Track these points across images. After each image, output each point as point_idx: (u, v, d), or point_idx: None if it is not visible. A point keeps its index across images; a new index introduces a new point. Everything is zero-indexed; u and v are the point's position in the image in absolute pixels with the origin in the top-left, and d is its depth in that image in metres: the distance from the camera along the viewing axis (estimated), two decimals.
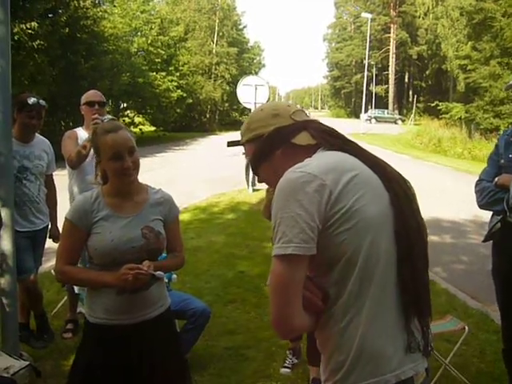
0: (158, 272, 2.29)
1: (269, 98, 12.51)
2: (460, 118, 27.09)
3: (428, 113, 42.53)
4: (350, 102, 79.02)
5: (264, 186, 10.72)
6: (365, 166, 1.47)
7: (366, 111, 50.85)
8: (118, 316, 2.33)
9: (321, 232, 1.34)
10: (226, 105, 40.92)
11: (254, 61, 48.01)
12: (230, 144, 1.89)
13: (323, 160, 1.44)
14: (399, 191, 1.47)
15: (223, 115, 42.35)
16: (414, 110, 49.99)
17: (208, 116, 39.90)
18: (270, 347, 4.11)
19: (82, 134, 4.13)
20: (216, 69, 39.98)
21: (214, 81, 39.44)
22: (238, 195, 11.44)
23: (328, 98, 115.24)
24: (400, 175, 1.53)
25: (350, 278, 1.36)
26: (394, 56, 60.33)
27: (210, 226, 8.54)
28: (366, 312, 1.35)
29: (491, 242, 3.06)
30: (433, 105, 31.06)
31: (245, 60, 44.35)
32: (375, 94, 57.38)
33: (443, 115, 29.71)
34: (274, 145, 1.56)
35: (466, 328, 3.63)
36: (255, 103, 11.56)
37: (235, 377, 3.67)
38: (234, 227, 8.40)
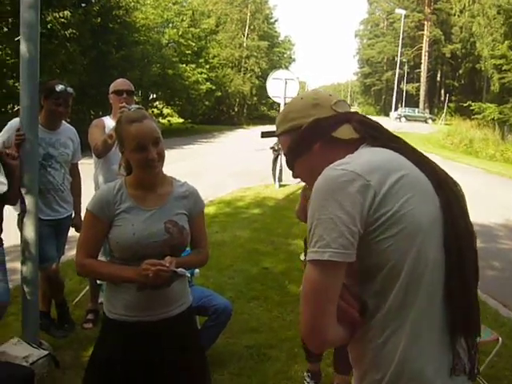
0: (180, 269, 2.19)
1: (298, 93, 12.35)
2: (493, 119, 26.43)
3: (460, 113, 41.70)
4: (379, 99, 78.16)
5: (291, 182, 10.69)
6: (413, 166, 1.33)
7: (396, 109, 50.26)
8: (138, 313, 2.25)
9: (362, 237, 1.21)
10: (255, 99, 40.79)
11: (285, 55, 47.78)
12: (265, 135, 1.76)
13: (367, 157, 1.30)
14: (450, 195, 1.33)
15: (251, 109, 42.25)
16: (445, 110, 49.08)
17: (236, 109, 39.87)
18: (293, 348, 4.00)
19: (110, 122, 4.06)
20: (246, 62, 39.85)
21: (244, 74, 39.36)
22: (264, 190, 11.33)
23: (358, 94, 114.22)
24: (450, 177, 1.39)
25: (392, 290, 1.23)
26: (427, 54, 59.30)
27: (235, 220, 8.45)
28: (408, 328, 1.22)
29: None
30: (465, 105, 30.38)
31: (275, 54, 44.15)
32: (406, 92, 56.65)
33: (475, 115, 29.04)
34: (313, 138, 1.42)
35: (500, 339, 3.46)
36: (285, 97, 11.40)
37: (256, 377, 3.57)
38: (259, 222, 8.30)
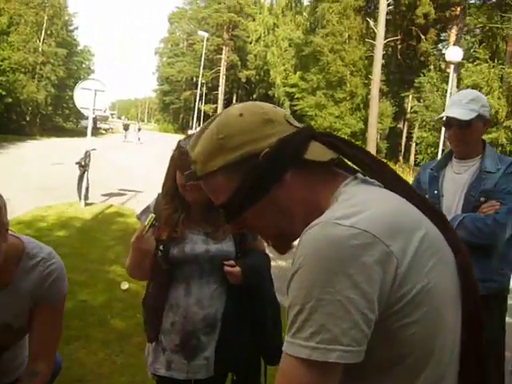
0: None
1: (109, 106, 11.68)
2: None
3: None
4: (178, 117, 79.25)
5: (98, 200, 9.88)
6: (426, 219, 0.98)
7: (194, 128, 51.23)
8: None
9: (377, 322, 0.86)
10: (50, 108, 38.03)
11: (83, 65, 45.66)
12: (192, 178, 1.10)
13: (375, 206, 0.92)
14: (466, 254, 1.01)
15: (46, 119, 39.26)
16: None
17: (28, 119, 36.68)
18: None
19: None
20: (41, 69, 36.86)
21: (39, 81, 36.39)
22: (69, 209, 10.34)
23: (156, 111, 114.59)
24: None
25: None
26: (225, 77, 61.93)
27: None
28: None
29: None
30: None
31: (74, 63, 41.85)
32: (204, 113, 58.15)
33: None
34: (281, 167, 1.01)
35: None
36: (94, 109, 10.64)
37: None
38: (67, 247, 7.43)
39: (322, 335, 0.82)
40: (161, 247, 2.27)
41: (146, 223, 2.14)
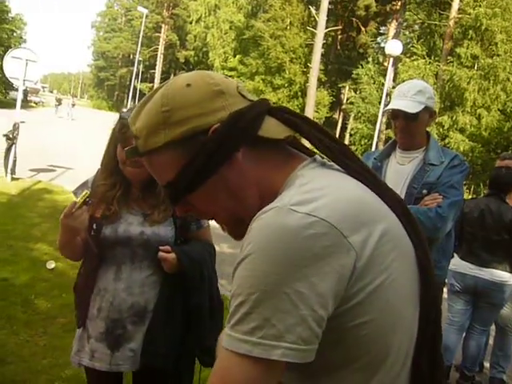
0: None
1: (41, 78, 11.14)
2: None
3: None
4: (112, 94, 77.34)
5: (26, 175, 9.48)
6: (387, 209, 0.91)
7: (128, 106, 50.10)
8: None
9: (329, 320, 0.79)
10: None
11: (15, 34, 43.34)
12: (131, 154, 1.01)
13: (334, 192, 0.85)
14: (426, 247, 0.94)
15: None
16: None
17: None
18: (52, 382, 3.34)
19: None
20: None
21: None
22: None
23: (90, 87, 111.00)
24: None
25: None
26: (162, 56, 60.71)
27: None
28: None
29: None
30: None
31: (4, 31, 39.61)
32: (139, 91, 56.87)
33: None
34: (231, 144, 0.91)
35: None
36: (24, 80, 10.08)
37: None
38: None
39: (266, 330, 0.75)
40: (94, 226, 2.12)
41: (79, 199, 1.99)
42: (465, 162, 2.74)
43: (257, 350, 0.75)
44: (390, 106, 2.77)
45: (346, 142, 33.11)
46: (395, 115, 2.74)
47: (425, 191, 2.62)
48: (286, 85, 32.32)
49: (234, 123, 0.91)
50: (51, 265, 5.58)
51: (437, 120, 21.21)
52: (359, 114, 27.24)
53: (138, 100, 56.10)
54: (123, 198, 2.15)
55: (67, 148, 17.68)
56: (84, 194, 1.99)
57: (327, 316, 0.78)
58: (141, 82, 58.93)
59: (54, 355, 3.70)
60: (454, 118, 21.50)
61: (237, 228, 1.00)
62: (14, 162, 10.10)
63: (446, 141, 21.12)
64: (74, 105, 41.23)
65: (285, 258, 0.76)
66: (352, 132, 29.60)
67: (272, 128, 0.94)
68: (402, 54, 17.67)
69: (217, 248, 2.33)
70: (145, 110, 0.95)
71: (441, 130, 21.42)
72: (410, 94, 2.68)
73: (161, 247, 2.06)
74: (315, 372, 0.84)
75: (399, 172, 2.75)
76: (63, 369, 3.50)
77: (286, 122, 0.96)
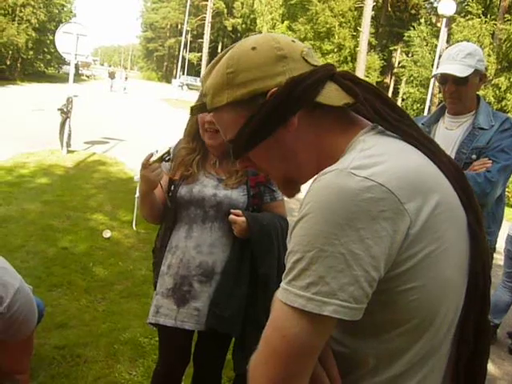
0: None
1: (92, 52, 11.34)
2: None
3: None
4: (161, 65, 77.93)
5: (80, 148, 9.70)
6: (444, 179, 0.92)
7: (178, 77, 50.37)
8: None
9: (380, 282, 0.81)
10: (31, 53, 36.69)
11: (65, 8, 43.96)
12: (197, 111, 1.15)
13: (394, 160, 0.85)
14: (479, 215, 0.95)
15: (27, 64, 37.95)
16: None
17: (9, 63, 35.56)
18: (111, 344, 3.52)
19: None
20: (21, 11, 35.44)
21: (19, 24, 35.08)
22: (50, 156, 10.15)
23: (139, 59, 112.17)
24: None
25: (407, 352, 0.88)
26: (210, 25, 60.46)
27: (21, 191, 7.33)
28: None
29: None
30: None
31: (55, 6, 40.21)
32: (188, 61, 57.10)
33: None
34: (289, 108, 0.93)
35: None
36: (76, 55, 10.31)
37: None
38: (49, 194, 7.35)
39: (320, 287, 0.78)
40: (172, 187, 2.27)
41: (159, 153, 2.11)
42: None
43: (310, 305, 0.79)
44: (438, 71, 2.70)
45: None
46: (444, 80, 2.67)
47: (474, 156, 2.57)
48: (336, 50, 31.69)
49: (291, 88, 0.93)
50: (107, 234, 5.79)
51: (493, 82, 20.40)
52: (411, 78, 26.42)
53: (187, 70, 56.41)
54: (201, 162, 2.26)
55: (120, 120, 18.06)
56: (167, 150, 2.13)
57: (379, 278, 0.80)
58: (189, 51, 59.05)
59: (113, 320, 3.88)
60: (511, 79, 20.61)
61: (288, 187, 1.06)
62: (69, 135, 10.42)
63: (503, 103, 20.29)
64: (126, 78, 41.53)
65: (342, 218, 0.78)
66: (404, 97, 28.79)
67: (332, 94, 0.96)
68: (455, 13, 16.95)
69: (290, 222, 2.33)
70: (215, 70, 1.00)
71: (497, 92, 20.57)
72: (459, 58, 2.60)
73: (232, 210, 2.14)
74: (363, 331, 0.88)
75: (447, 137, 2.70)
76: (121, 333, 3.68)
77: (345, 89, 0.97)
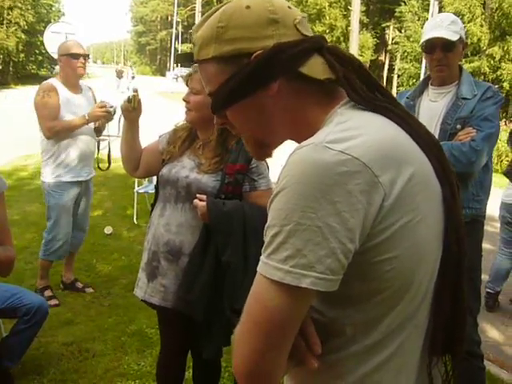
0: None
1: None
2: None
3: None
4: (155, 59, 77.69)
5: None
6: (418, 150, 0.93)
7: (172, 69, 50.17)
8: None
9: (356, 254, 0.84)
10: (22, 55, 36.58)
11: (53, 8, 43.79)
12: (181, 59, 1.22)
13: (369, 133, 0.87)
14: (454, 187, 0.97)
15: (19, 67, 37.89)
16: None
17: (0, 67, 35.49)
18: (119, 337, 3.58)
19: (61, 88, 4.08)
20: (9, 14, 35.26)
21: (7, 27, 34.92)
22: None
23: (132, 54, 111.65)
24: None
25: (386, 317, 0.91)
26: (200, 14, 60.08)
27: (21, 193, 7.41)
28: (395, 360, 0.93)
29: None
30: None
31: (42, 6, 40.05)
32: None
33: None
34: (270, 72, 0.95)
35: None
36: None
37: (83, 380, 3.08)
38: None
39: (298, 260, 0.80)
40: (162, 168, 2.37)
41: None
42: (499, 93, 2.67)
43: (288, 278, 0.81)
44: (427, 36, 2.67)
45: (394, 83, 32.24)
46: (432, 47, 2.65)
47: (459, 126, 2.59)
48: (328, 31, 31.53)
49: (275, 54, 0.94)
50: (109, 230, 5.83)
51: (487, 52, 20.30)
52: (405, 54, 26.37)
53: (181, 63, 55.99)
54: (188, 144, 2.35)
55: (115, 117, 17.99)
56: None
57: (354, 250, 0.82)
58: (181, 43, 58.78)
59: (119, 313, 3.94)
60: (505, 48, 20.49)
61: (259, 149, 1.08)
62: None
63: (499, 72, 20.23)
64: (133, 77, 38.50)
65: (318, 192, 0.80)
66: (399, 73, 28.73)
67: (316, 67, 0.96)
68: None
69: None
70: (207, 22, 1.00)
71: (492, 61, 20.48)
72: (444, 24, 2.60)
73: (198, 195, 2.14)
74: (340, 302, 0.91)
75: (432, 109, 2.71)
76: (128, 325, 3.74)
77: (329, 64, 0.97)
